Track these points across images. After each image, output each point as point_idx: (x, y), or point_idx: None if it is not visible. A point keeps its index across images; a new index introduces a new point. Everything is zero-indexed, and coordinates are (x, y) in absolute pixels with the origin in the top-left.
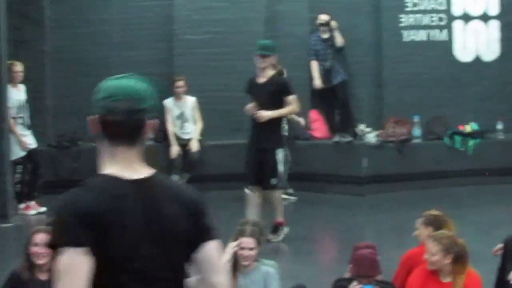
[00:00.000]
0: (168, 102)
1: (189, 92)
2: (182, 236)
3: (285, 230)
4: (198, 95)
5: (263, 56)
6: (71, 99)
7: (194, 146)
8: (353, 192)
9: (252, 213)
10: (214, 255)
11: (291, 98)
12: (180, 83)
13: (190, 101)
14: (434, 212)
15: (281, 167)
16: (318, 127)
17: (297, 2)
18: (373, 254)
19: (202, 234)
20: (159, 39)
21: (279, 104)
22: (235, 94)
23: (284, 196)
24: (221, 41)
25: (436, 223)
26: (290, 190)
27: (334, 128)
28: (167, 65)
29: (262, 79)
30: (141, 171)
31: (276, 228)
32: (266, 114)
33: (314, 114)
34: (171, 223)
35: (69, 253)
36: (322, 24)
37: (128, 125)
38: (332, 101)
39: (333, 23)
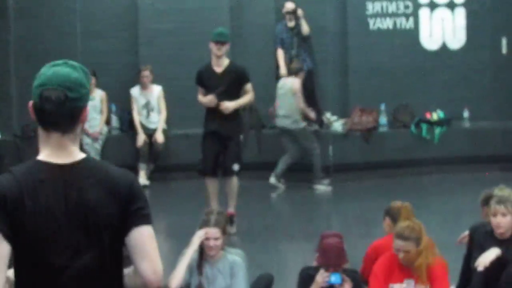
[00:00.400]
0: (134, 91)
1: (155, 81)
2: (107, 222)
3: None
4: (163, 85)
5: (221, 43)
6: None
7: (159, 136)
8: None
9: (215, 201)
10: (143, 240)
11: (250, 85)
12: (146, 72)
13: (156, 90)
14: (393, 204)
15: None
16: None
17: None
18: (340, 243)
19: (132, 219)
20: (124, 28)
21: (238, 93)
22: None
23: (320, 186)
24: (186, 30)
25: (393, 214)
26: (326, 181)
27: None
28: (132, 55)
29: (219, 68)
30: (72, 156)
31: (231, 220)
32: (231, 105)
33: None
34: (95, 208)
35: None
36: (288, 13)
37: (59, 113)
38: None
39: (299, 12)
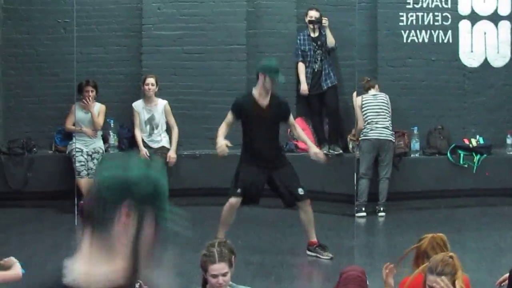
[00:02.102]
0: (137, 104)
1: (159, 95)
2: None
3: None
4: (168, 99)
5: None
6: (25, 100)
7: (173, 155)
8: (342, 211)
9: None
10: None
11: (292, 119)
12: (151, 79)
13: (161, 104)
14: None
15: None
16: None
17: None
18: (362, 274)
19: None
20: (126, 34)
21: (279, 127)
22: (210, 99)
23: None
24: (196, 38)
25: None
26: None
27: (322, 139)
28: (134, 64)
29: (264, 101)
30: None
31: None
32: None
33: (300, 123)
34: None
35: None
36: (311, 22)
37: None
38: (321, 108)
39: (324, 21)
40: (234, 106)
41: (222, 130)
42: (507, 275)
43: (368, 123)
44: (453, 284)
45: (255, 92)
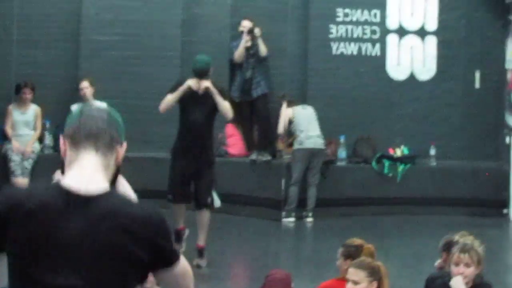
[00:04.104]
0: (75, 107)
1: (96, 98)
2: (123, 260)
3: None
4: (105, 102)
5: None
6: None
7: None
8: (269, 216)
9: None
10: (176, 280)
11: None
12: (85, 83)
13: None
14: (354, 241)
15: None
16: (234, 143)
17: (218, 6)
18: (287, 277)
19: (160, 259)
20: (65, 38)
21: (214, 113)
22: (144, 103)
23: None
24: (133, 44)
25: (356, 255)
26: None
27: (251, 145)
28: (72, 68)
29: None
30: (96, 186)
31: (201, 252)
32: (210, 85)
33: (230, 129)
34: (109, 253)
35: None
36: (244, 31)
37: (97, 131)
38: (251, 115)
39: (257, 31)
40: (173, 85)
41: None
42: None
43: (301, 133)
44: None
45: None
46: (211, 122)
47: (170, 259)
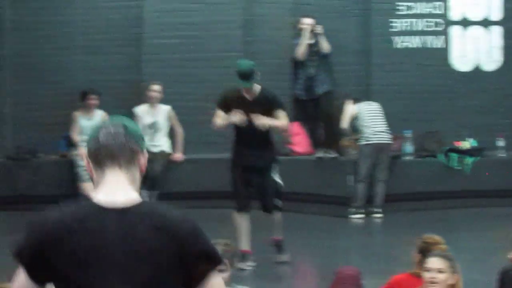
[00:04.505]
0: (140, 109)
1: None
2: (164, 270)
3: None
4: (167, 105)
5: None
6: (32, 107)
7: (179, 155)
8: (336, 213)
9: (245, 239)
10: None
11: (283, 113)
12: (156, 87)
13: (164, 110)
14: (427, 237)
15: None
16: (300, 141)
17: (278, 4)
18: (357, 273)
19: (196, 266)
20: (126, 43)
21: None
22: (208, 105)
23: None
24: (194, 46)
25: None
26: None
27: (317, 143)
28: (134, 72)
29: (249, 95)
30: (127, 198)
31: (280, 246)
32: (267, 121)
33: (295, 127)
34: (150, 256)
35: (20, 275)
36: (306, 29)
37: (117, 147)
38: (316, 113)
39: (318, 28)
40: (219, 100)
41: (219, 120)
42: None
43: (367, 128)
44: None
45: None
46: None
47: (208, 258)
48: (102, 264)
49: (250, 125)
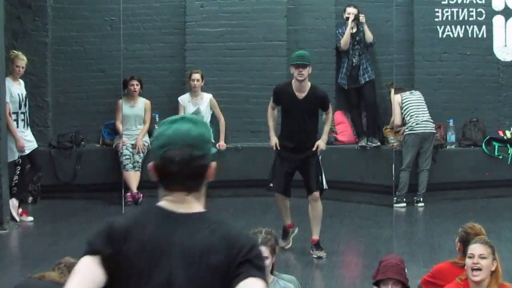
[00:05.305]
0: (183, 98)
1: (203, 89)
2: (216, 274)
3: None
4: (210, 93)
5: (303, 67)
6: (74, 96)
7: (222, 144)
8: (380, 202)
9: (287, 215)
10: None
11: (330, 112)
12: (197, 75)
13: (207, 98)
14: (468, 226)
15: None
16: (343, 130)
17: None
18: (401, 262)
19: (242, 270)
20: (170, 31)
21: (317, 119)
22: (252, 93)
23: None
24: (238, 35)
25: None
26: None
27: (360, 132)
28: (178, 60)
29: (300, 94)
30: (192, 209)
31: (318, 246)
32: (322, 145)
33: (339, 116)
34: (206, 258)
35: (84, 259)
36: (349, 18)
37: (184, 174)
38: (359, 102)
39: (362, 17)
40: (273, 95)
41: (271, 121)
42: None
43: (411, 118)
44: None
45: (292, 83)
46: (314, 119)
47: (253, 274)
48: (165, 265)
49: (298, 118)
